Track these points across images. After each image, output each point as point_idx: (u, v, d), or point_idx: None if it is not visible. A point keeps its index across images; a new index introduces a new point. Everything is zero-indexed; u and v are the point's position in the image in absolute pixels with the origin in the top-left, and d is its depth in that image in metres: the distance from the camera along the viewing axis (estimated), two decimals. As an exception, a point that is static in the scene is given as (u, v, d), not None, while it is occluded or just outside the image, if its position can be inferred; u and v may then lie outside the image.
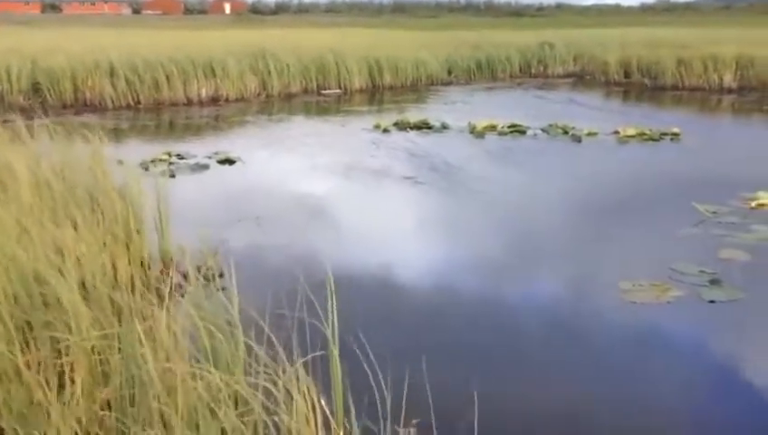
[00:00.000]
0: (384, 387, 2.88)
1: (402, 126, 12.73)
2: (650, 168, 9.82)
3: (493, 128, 12.36)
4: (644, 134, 11.69)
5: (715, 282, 5.49)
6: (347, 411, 2.88)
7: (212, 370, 2.72)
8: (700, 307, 5.17)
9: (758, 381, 4.21)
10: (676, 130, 11.79)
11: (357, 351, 3.28)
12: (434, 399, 3.58)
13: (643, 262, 6.00)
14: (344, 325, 3.15)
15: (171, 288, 3.75)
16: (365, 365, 3.10)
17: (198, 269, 4.13)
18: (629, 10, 62.90)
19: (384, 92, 18.02)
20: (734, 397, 4.10)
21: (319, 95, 17.35)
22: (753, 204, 7.50)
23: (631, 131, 11.77)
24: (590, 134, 11.85)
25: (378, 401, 2.86)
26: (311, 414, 2.66)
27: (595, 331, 4.94)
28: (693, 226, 6.90)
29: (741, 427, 3.82)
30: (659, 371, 4.39)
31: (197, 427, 2.51)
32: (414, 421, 3.29)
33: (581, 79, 21.10)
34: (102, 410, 2.68)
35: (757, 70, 16.98)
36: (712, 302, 5.22)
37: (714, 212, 7.24)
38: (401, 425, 2.83)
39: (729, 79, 17.64)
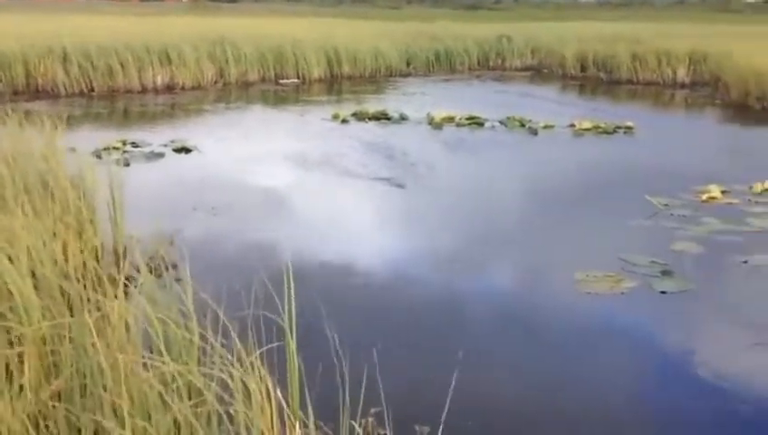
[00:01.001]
0: (342, 377, 2.87)
1: (361, 116, 12.71)
2: (605, 160, 9.97)
3: (451, 119, 12.41)
4: (599, 127, 11.84)
5: (666, 273, 5.59)
6: (303, 402, 2.86)
7: (165, 360, 2.69)
8: (652, 298, 5.27)
9: (706, 370, 4.30)
10: (630, 123, 11.97)
11: (315, 341, 3.27)
12: (391, 388, 3.59)
13: (597, 253, 6.09)
14: (302, 316, 3.13)
15: (124, 278, 3.70)
16: (323, 356, 3.09)
17: (152, 259, 4.08)
18: (587, 4, 63.61)
19: (343, 83, 17.97)
20: (684, 385, 4.19)
21: (277, 84, 17.22)
22: (704, 197, 7.65)
23: (587, 125, 11.92)
24: (546, 127, 11.97)
25: (336, 392, 2.86)
26: (266, 405, 2.64)
27: (551, 321, 4.99)
28: (646, 218, 7.01)
29: (691, 414, 3.90)
30: (613, 361, 4.47)
31: (150, 417, 2.48)
32: (372, 411, 3.30)
33: (539, 72, 21.28)
34: (52, 401, 2.63)
35: (709, 65, 17.29)
36: (663, 293, 5.32)
37: (666, 205, 7.37)
38: (358, 415, 2.83)
39: (682, 73, 17.95)
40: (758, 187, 7.92)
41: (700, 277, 5.56)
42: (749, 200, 7.60)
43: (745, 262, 5.85)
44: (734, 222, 6.84)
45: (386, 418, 3.22)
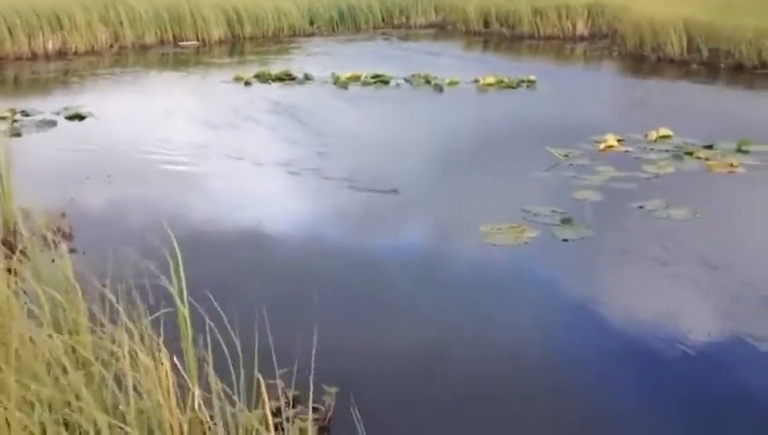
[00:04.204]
0: (239, 341, 2.83)
1: (264, 78, 12.48)
2: (508, 114, 10.09)
3: (356, 78, 12.32)
4: (502, 82, 11.96)
5: (566, 221, 5.73)
6: (202, 368, 2.80)
7: (52, 333, 2.58)
8: (555, 246, 5.40)
9: (605, 310, 4.45)
10: (532, 77, 12.13)
11: (211, 307, 3.20)
12: (293, 347, 3.56)
13: (501, 205, 6.18)
14: (197, 282, 3.04)
15: (13, 252, 3.54)
16: (220, 321, 3.03)
17: (43, 231, 3.91)
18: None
19: (245, 44, 17.54)
20: (586, 329, 4.32)
21: (176, 47, 16.66)
22: (602, 146, 7.85)
23: (490, 80, 12.02)
24: (451, 83, 12.02)
25: (237, 356, 2.81)
26: (162, 373, 2.57)
27: (458, 275, 5.05)
28: (547, 169, 7.15)
29: (592, 356, 4.03)
30: (518, 309, 4.58)
31: (37, 391, 2.37)
32: (279, 372, 3.26)
33: (443, 29, 21.29)
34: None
35: (607, 17, 17.64)
36: (565, 240, 5.45)
37: (566, 155, 7.53)
38: (256, 375, 2.79)
39: (581, 27, 18.26)
40: (653, 135, 8.18)
41: (599, 224, 5.71)
42: (644, 148, 7.84)
43: (640, 207, 6.04)
44: (629, 169, 7.05)
45: (291, 375, 3.20)
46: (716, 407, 3.54)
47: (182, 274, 2.73)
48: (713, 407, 3.54)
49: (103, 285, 2.96)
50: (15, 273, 3.31)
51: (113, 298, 2.75)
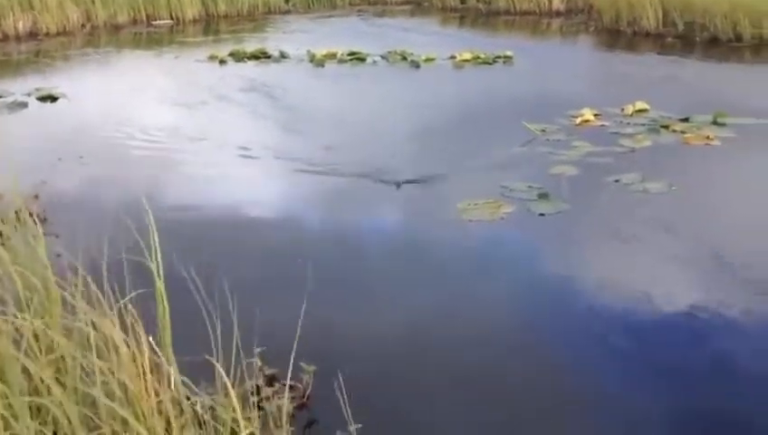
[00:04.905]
0: (217, 320, 2.80)
1: (239, 56, 12.35)
2: (484, 90, 10.07)
3: (332, 56, 12.23)
4: (479, 58, 11.92)
5: (543, 196, 5.74)
6: (178, 347, 2.78)
7: (24, 316, 2.54)
8: (531, 221, 5.41)
9: (581, 286, 4.47)
10: (509, 53, 12.09)
11: (188, 287, 3.17)
12: (271, 326, 3.54)
13: (478, 181, 6.18)
14: (172, 262, 3.00)
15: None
16: (197, 301, 3.00)
17: (16, 213, 3.85)
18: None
19: (219, 22, 17.33)
20: (563, 302, 4.34)
21: (149, 26, 16.43)
22: (579, 121, 7.86)
23: (467, 56, 11.98)
24: (427, 60, 11.96)
25: (214, 335, 2.79)
26: (137, 353, 2.55)
27: (435, 251, 5.05)
28: (523, 144, 7.15)
29: (569, 330, 4.05)
30: (494, 284, 4.58)
31: (5, 375, 2.34)
32: (257, 350, 3.25)
33: (419, 6, 21.13)
34: None
35: (583, -8, 17.61)
36: (541, 215, 5.47)
37: (543, 130, 7.53)
38: (233, 355, 2.77)
39: (558, 2, 18.19)
40: (629, 109, 8.20)
41: (575, 198, 5.74)
42: (620, 122, 7.86)
43: (617, 181, 6.07)
44: (606, 144, 7.07)
45: (272, 355, 3.19)
46: (692, 375, 3.58)
47: (158, 253, 2.70)
48: (689, 375, 3.58)
49: (77, 267, 2.92)
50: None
51: (87, 279, 2.71)
